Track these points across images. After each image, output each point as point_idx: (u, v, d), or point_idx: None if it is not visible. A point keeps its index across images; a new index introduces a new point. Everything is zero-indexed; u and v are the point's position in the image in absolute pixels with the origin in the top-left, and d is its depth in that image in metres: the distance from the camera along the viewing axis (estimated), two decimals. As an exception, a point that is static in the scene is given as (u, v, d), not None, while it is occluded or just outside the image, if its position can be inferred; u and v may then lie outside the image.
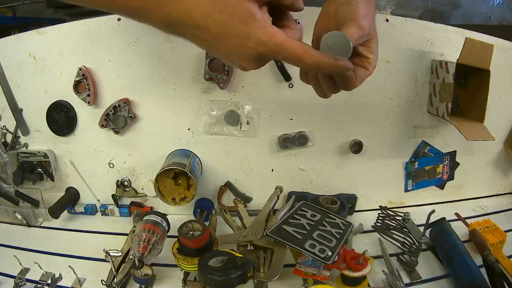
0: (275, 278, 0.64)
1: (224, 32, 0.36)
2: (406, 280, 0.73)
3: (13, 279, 0.74)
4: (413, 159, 0.99)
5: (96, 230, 0.94)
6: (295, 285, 0.71)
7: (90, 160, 0.97)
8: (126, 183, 0.98)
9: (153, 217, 0.75)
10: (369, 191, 1.00)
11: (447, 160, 1.01)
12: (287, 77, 0.88)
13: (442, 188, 1.05)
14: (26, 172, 0.99)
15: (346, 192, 0.98)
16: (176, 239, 0.70)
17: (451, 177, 1.04)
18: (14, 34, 0.92)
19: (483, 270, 0.71)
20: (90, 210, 1.01)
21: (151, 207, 0.99)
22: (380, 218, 0.88)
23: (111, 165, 0.97)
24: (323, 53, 0.40)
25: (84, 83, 0.89)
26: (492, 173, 1.08)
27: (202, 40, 0.38)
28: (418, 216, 0.88)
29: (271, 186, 0.90)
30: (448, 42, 0.91)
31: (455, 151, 1.01)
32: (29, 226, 0.96)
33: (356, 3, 0.47)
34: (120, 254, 0.76)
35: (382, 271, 0.74)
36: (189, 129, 0.93)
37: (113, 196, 0.99)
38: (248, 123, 0.92)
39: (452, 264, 0.73)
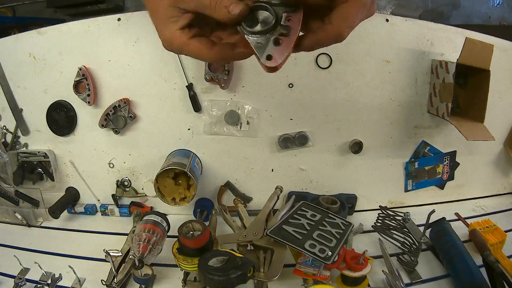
0: (275, 278, 0.64)
1: (153, 18, 0.42)
2: (406, 280, 0.73)
3: (13, 279, 0.74)
4: (413, 159, 0.99)
5: (96, 230, 0.94)
6: (295, 285, 0.71)
7: (90, 160, 0.97)
8: (126, 183, 0.98)
9: (153, 217, 0.75)
10: (369, 191, 1.00)
11: (447, 160, 1.01)
12: (196, 108, 0.89)
13: (442, 188, 1.05)
14: (26, 172, 0.99)
15: (346, 192, 0.98)
16: (176, 239, 0.70)
17: (451, 177, 1.04)
18: (14, 34, 0.92)
19: (483, 270, 0.71)
20: (90, 210, 1.01)
21: (151, 207, 0.99)
22: (380, 218, 0.88)
23: (111, 165, 0.97)
24: (217, 48, 0.41)
25: (84, 83, 0.89)
26: (492, 173, 1.08)
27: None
28: (418, 216, 0.88)
29: (271, 186, 0.90)
30: (448, 42, 0.91)
31: (455, 151, 1.01)
32: (29, 226, 0.96)
33: None
34: (120, 254, 0.76)
35: (382, 271, 0.74)
36: (189, 129, 0.93)
37: (113, 196, 0.99)
38: (248, 123, 0.92)
39: (452, 264, 0.73)
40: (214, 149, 0.94)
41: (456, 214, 0.98)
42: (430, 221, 0.76)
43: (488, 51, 0.84)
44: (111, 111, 0.90)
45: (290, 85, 0.90)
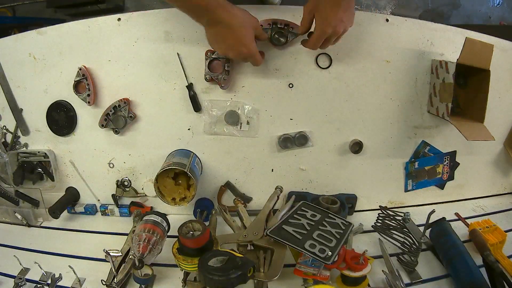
0: (275, 278, 0.64)
1: (237, 39, 0.71)
2: (406, 280, 0.74)
3: (13, 279, 0.74)
4: (413, 159, 0.99)
5: (96, 230, 0.94)
6: (295, 285, 0.71)
7: (90, 160, 0.97)
8: (126, 183, 0.98)
9: (153, 217, 0.75)
10: (369, 191, 1.00)
11: (447, 160, 1.02)
12: (196, 108, 0.89)
13: (442, 188, 1.05)
14: (26, 172, 0.99)
15: (346, 192, 0.98)
16: (176, 239, 0.70)
17: (451, 177, 1.04)
18: (14, 34, 0.92)
19: (483, 270, 0.71)
20: (90, 210, 1.01)
21: (151, 207, 1.00)
22: (380, 218, 0.88)
23: (111, 165, 0.97)
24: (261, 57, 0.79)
25: (84, 83, 0.89)
26: (492, 173, 1.08)
27: (220, 35, 0.70)
28: (418, 216, 0.89)
29: (271, 186, 0.90)
30: (448, 42, 0.92)
31: (455, 151, 1.01)
32: (29, 226, 0.96)
33: None
34: (120, 254, 0.76)
35: (382, 271, 0.74)
36: (189, 129, 0.93)
37: (113, 196, 0.99)
38: (248, 123, 0.92)
39: (452, 264, 0.73)
40: (214, 149, 0.94)
41: (456, 214, 0.98)
42: (430, 221, 0.76)
43: (488, 51, 0.84)
44: (111, 111, 0.90)
45: (290, 85, 0.90)
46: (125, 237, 0.82)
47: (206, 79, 0.86)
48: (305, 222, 0.75)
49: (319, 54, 0.88)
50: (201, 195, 0.97)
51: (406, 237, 0.79)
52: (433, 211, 0.75)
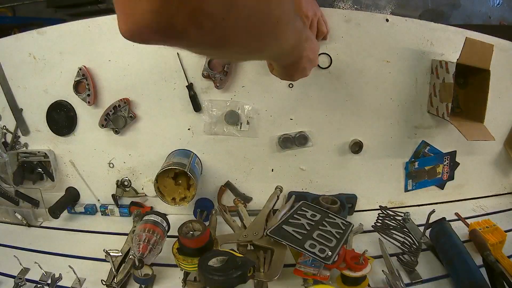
0: (275, 278, 0.64)
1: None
2: (406, 280, 0.73)
3: (13, 279, 0.74)
4: (413, 159, 0.99)
5: (96, 230, 0.94)
6: (295, 285, 0.71)
7: (90, 160, 0.97)
8: (126, 183, 0.98)
9: (153, 217, 0.75)
10: (369, 191, 1.00)
11: (447, 160, 1.01)
12: (196, 108, 0.89)
13: (442, 188, 1.05)
14: (26, 172, 0.99)
15: (346, 192, 0.98)
16: (176, 239, 0.70)
17: (451, 177, 1.04)
18: (14, 34, 0.92)
19: (483, 270, 0.71)
20: (90, 210, 1.01)
21: (151, 207, 1.00)
22: (380, 218, 0.87)
23: (111, 165, 0.97)
24: None
25: (84, 83, 0.89)
26: (492, 173, 1.08)
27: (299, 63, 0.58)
28: (418, 216, 0.89)
29: (271, 186, 0.90)
30: (448, 42, 0.91)
31: (455, 151, 1.01)
32: (29, 226, 0.96)
33: None
34: (120, 254, 0.76)
35: (382, 271, 0.74)
36: (189, 129, 0.93)
37: (113, 196, 0.99)
38: (248, 123, 0.92)
39: (452, 264, 0.73)
40: (214, 149, 0.94)
41: (456, 214, 0.98)
42: (430, 221, 0.76)
43: (488, 51, 0.84)
44: (111, 111, 0.90)
45: (290, 85, 0.90)
46: (125, 237, 0.82)
47: (203, 75, 0.86)
48: (305, 222, 0.75)
49: (319, 54, 0.88)
50: (201, 195, 0.97)
51: (406, 237, 0.79)
52: (433, 211, 0.75)
